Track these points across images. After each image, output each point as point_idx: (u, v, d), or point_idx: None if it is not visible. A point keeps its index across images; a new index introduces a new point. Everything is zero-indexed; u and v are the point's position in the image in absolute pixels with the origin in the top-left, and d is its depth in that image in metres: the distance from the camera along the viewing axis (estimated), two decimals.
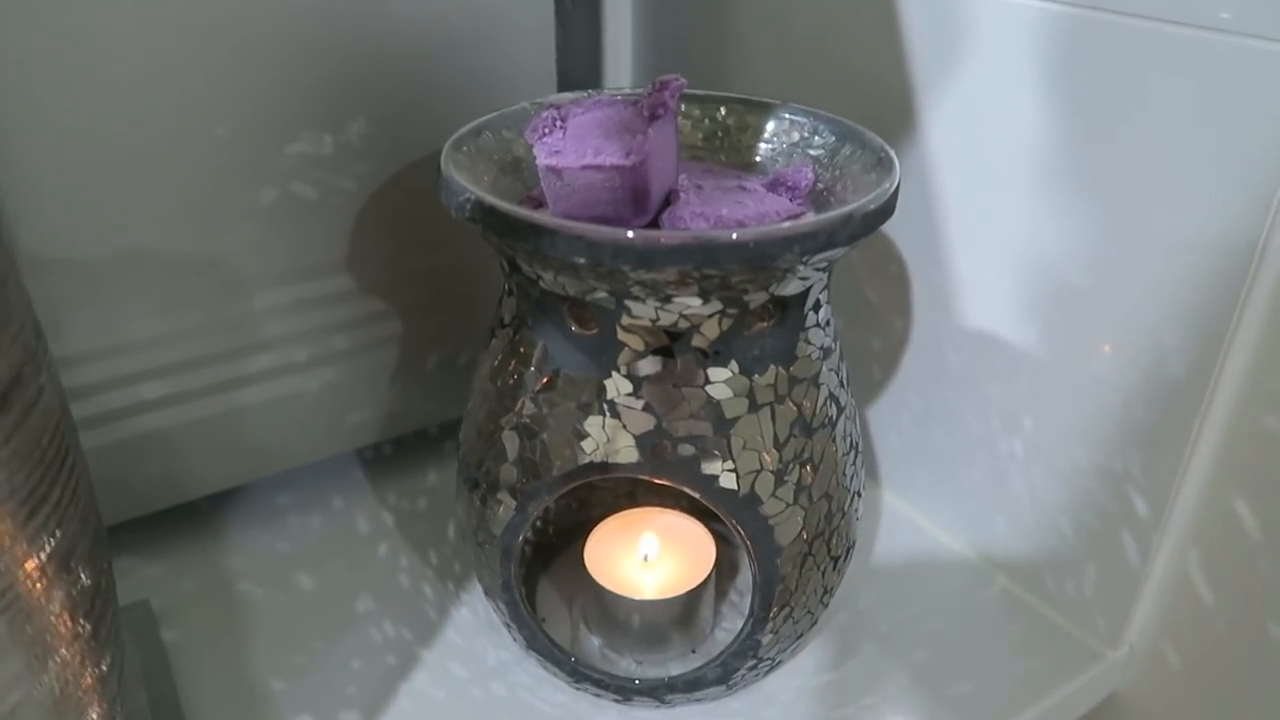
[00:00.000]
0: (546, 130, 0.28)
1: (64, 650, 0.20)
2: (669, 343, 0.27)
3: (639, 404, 0.27)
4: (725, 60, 0.44)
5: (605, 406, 0.27)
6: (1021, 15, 0.31)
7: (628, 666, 0.34)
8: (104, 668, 0.22)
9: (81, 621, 0.21)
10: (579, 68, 0.49)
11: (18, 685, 0.19)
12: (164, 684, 0.33)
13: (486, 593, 0.33)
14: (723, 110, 0.33)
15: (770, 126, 0.33)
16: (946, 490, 0.40)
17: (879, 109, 0.37)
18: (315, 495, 0.42)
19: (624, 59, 0.49)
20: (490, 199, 0.25)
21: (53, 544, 0.19)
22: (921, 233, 0.37)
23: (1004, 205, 0.34)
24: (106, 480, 0.35)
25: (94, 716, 0.21)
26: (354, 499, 0.42)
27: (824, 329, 0.29)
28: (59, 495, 0.20)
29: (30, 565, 0.19)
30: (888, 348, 0.41)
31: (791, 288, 0.26)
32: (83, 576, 0.21)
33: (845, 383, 0.31)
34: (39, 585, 0.19)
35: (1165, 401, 0.31)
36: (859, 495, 0.32)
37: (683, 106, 0.33)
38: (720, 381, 0.27)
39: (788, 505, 0.28)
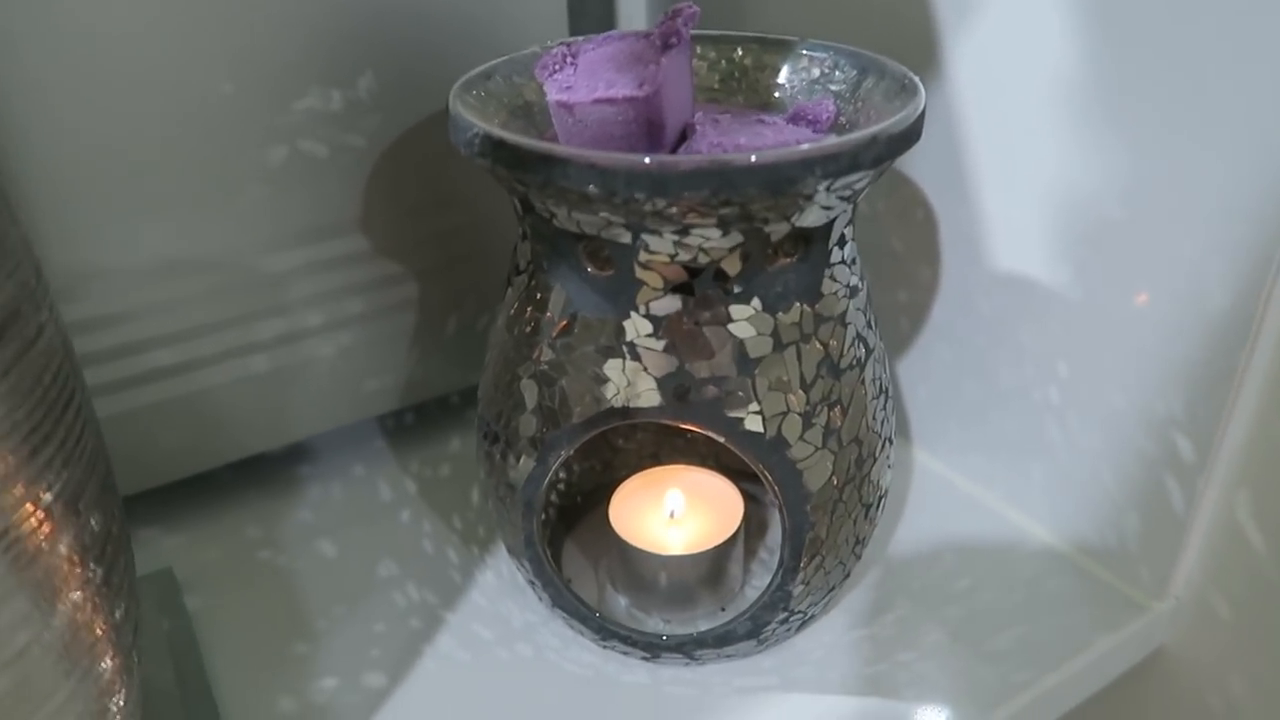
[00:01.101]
0: (557, 67, 0.27)
1: (74, 594, 0.20)
2: (688, 279, 0.26)
3: (659, 345, 0.26)
4: (740, 3, 0.43)
5: (625, 349, 0.26)
6: None
7: (654, 624, 0.33)
8: (117, 615, 0.21)
9: (92, 566, 0.20)
10: (592, 21, 0.48)
11: (26, 626, 0.18)
12: (189, 650, 0.33)
13: (510, 551, 0.32)
14: (739, 50, 0.32)
15: (788, 64, 0.31)
16: (979, 443, 0.39)
17: (900, 44, 0.36)
18: (336, 463, 0.42)
19: (638, 8, 0.47)
20: (499, 132, 0.24)
21: (58, 485, 0.19)
22: (948, 175, 0.36)
23: (1033, 140, 0.33)
24: (126, 450, 0.35)
25: (107, 664, 0.21)
26: (375, 467, 0.42)
27: (849, 266, 0.28)
28: (63, 435, 0.19)
29: (33, 505, 0.18)
30: (915, 299, 0.39)
31: (814, 218, 0.25)
32: (92, 521, 0.20)
33: (873, 324, 0.30)
34: (45, 526, 0.19)
35: (1208, 337, 0.30)
36: (890, 442, 0.31)
37: (698, 49, 0.32)
38: (743, 320, 0.26)
39: (816, 449, 0.28)
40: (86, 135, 0.30)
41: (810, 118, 0.29)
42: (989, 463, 0.39)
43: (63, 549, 0.19)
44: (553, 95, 0.26)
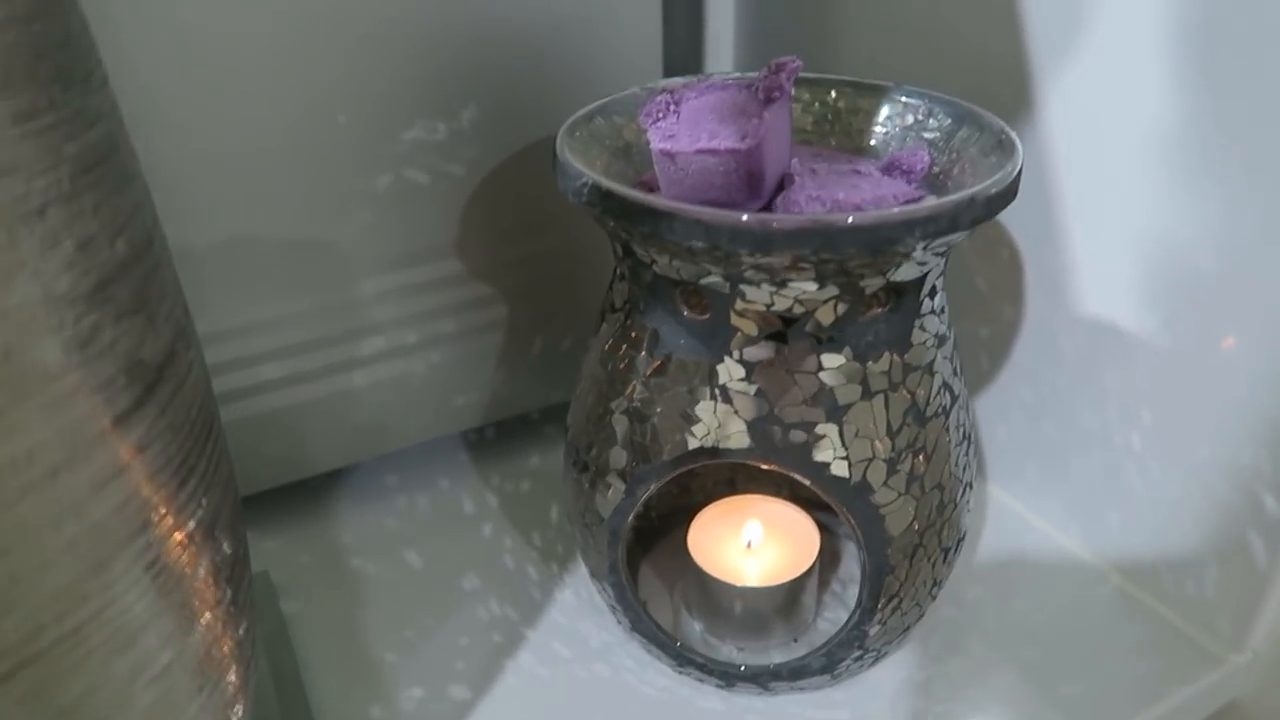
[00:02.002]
0: (660, 114, 0.28)
1: (208, 614, 0.21)
2: (782, 327, 0.26)
3: (751, 389, 0.27)
4: (831, 42, 0.43)
5: (716, 391, 0.27)
6: None
7: (729, 653, 0.34)
8: (241, 632, 0.23)
9: (224, 587, 0.22)
10: (680, 53, 0.49)
11: (169, 646, 0.20)
12: (284, 653, 0.34)
13: (592, 575, 0.34)
14: (833, 93, 0.33)
15: (883, 109, 0.32)
16: (1057, 485, 0.39)
17: (993, 86, 0.36)
18: (422, 475, 0.43)
19: (725, 43, 0.48)
20: (607, 183, 0.25)
21: (200, 513, 0.20)
22: (1035, 216, 0.36)
23: (1125, 186, 0.33)
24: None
25: (232, 678, 0.22)
26: (459, 480, 0.43)
27: (939, 315, 0.29)
28: (205, 466, 0.21)
29: (180, 534, 0.20)
30: (997, 336, 0.40)
31: (908, 273, 0.26)
32: (224, 544, 0.22)
33: (959, 371, 0.30)
34: (187, 552, 0.20)
35: None
36: (970, 486, 0.31)
37: (793, 90, 0.33)
38: (833, 368, 0.27)
39: (900, 495, 0.28)
40: (212, 162, 0.32)
41: (905, 168, 0.29)
42: (1067, 505, 0.39)
43: (201, 572, 0.21)
44: (656, 144, 0.27)
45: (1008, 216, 0.37)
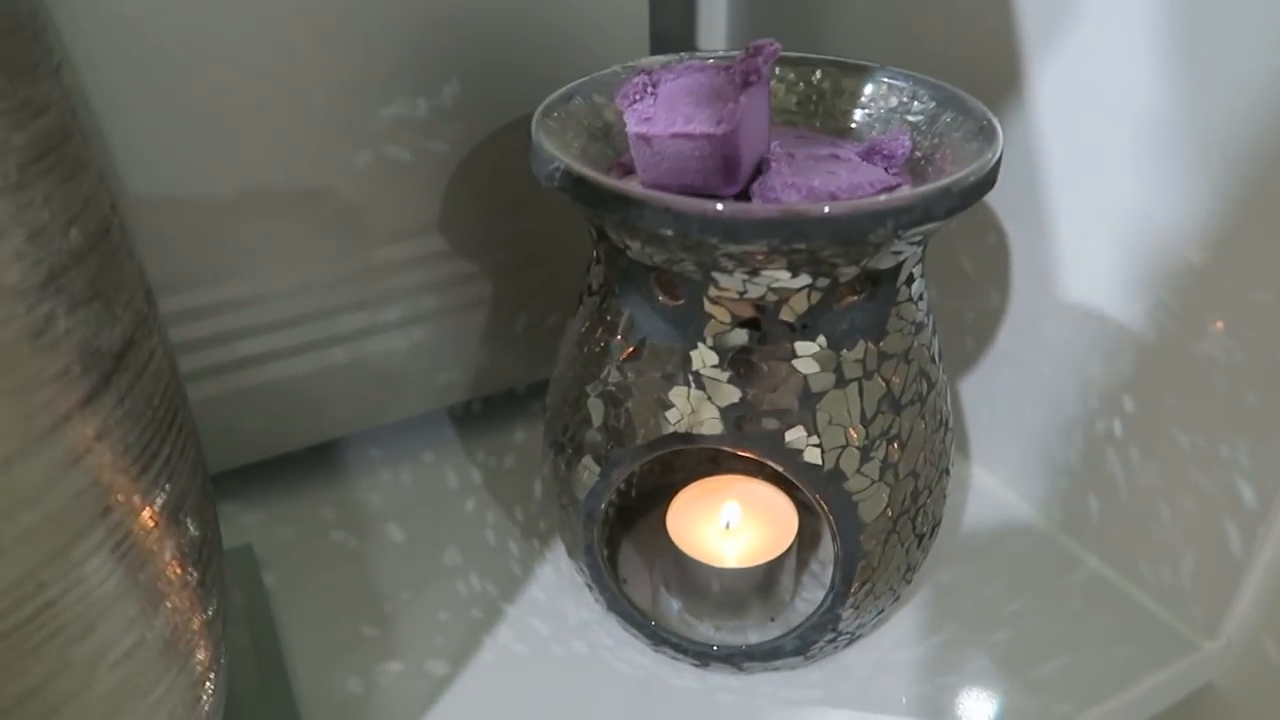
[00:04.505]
0: (637, 96, 0.27)
1: (174, 596, 0.21)
2: (756, 315, 0.26)
3: (724, 376, 0.27)
4: (822, 15, 0.42)
5: (690, 378, 0.27)
6: None
7: (706, 631, 0.34)
8: (209, 613, 0.23)
9: (190, 569, 0.22)
10: (672, 25, 0.48)
11: (133, 628, 0.20)
12: (265, 624, 0.35)
13: (570, 553, 0.34)
14: (818, 73, 0.32)
15: (867, 90, 0.32)
16: (1039, 468, 0.39)
17: (982, 67, 0.35)
18: (406, 450, 0.44)
19: (719, 16, 0.48)
20: (579, 168, 0.25)
21: (164, 497, 0.21)
22: (1023, 201, 0.36)
23: (1114, 175, 0.33)
24: (211, 431, 0.37)
25: (200, 657, 0.23)
26: (443, 454, 0.43)
27: (916, 303, 0.28)
28: (169, 451, 0.21)
29: (144, 516, 0.20)
30: (982, 320, 0.39)
31: (884, 262, 0.26)
32: (190, 527, 0.22)
33: (937, 358, 0.30)
34: (152, 535, 0.20)
35: (1278, 387, 0.30)
36: (947, 473, 0.31)
37: (776, 70, 0.33)
38: (807, 355, 0.27)
39: (873, 482, 0.28)
40: (186, 140, 0.32)
41: (885, 153, 0.29)
42: (1047, 488, 0.39)
43: (167, 555, 0.21)
44: (632, 127, 0.27)
45: (994, 200, 0.37)
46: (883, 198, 0.23)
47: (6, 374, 0.16)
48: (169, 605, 0.21)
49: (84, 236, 0.18)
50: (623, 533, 0.39)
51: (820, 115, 0.32)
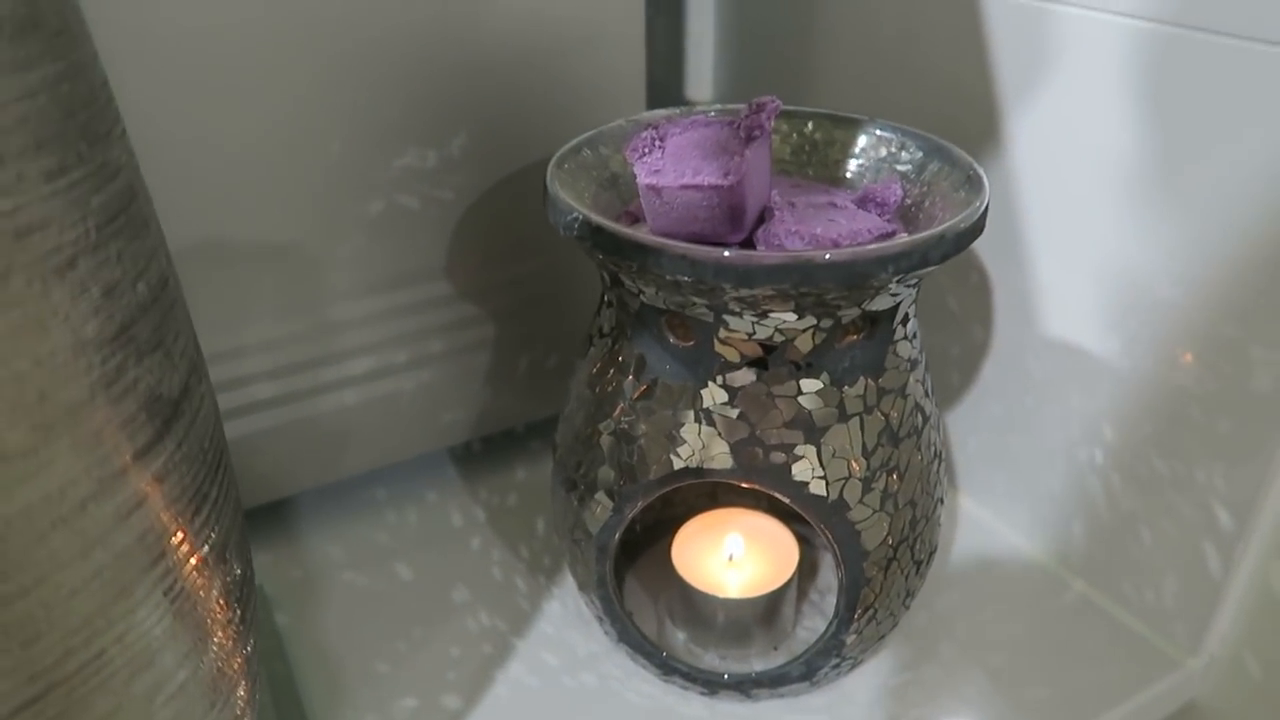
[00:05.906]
0: (646, 150, 0.29)
1: (220, 633, 0.22)
2: (763, 354, 0.28)
3: (734, 413, 0.28)
4: (808, 69, 0.45)
5: (701, 415, 0.29)
6: (1110, 30, 0.32)
7: (712, 661, 0.35)
8: (249, 649, 0.24)
9: (234, 607, 0.23)
10: (661, 75, 0.50)
11: (185, 664, 0.21)
12: (279, 665, 0.35)
13: (580, 587, 0.35)
14: (810, 125, 0.34)
15: (858, 142, 0.33)
16: (1024, 496, 0.41)
17: (963, 116, 0.38)
18: (410, 489, 0.44)
19: (705, 66, 0.50)
20: (597, 219, 0.26)
21: (213, 538, 0.22)
22: (1004, 242, 0.38)
23: (1089, 217, 0.35)
24: None
25: (241, 693, 0.23)
26: (447, 494, 0.44)
27: (911, 341, 0.30)
28: (217, 493, 0.22)
29: (196, 558, 0.21)
30: (968, 355, 0.41)
31: (882, 303, 0.27)
32: (235, 566, 0.23)
33: (930, 392, 0.32)
34: (203, 574, 0.21)
35: (1249, 416, 0.32)
36: (941, 501, 0.33)
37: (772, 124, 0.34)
38: (812, 392, 0.28)
39: (874, 511, 0.30)
40: (202, 191, 0.33)
41: (879, 200, 0.31)
42: (1033, 515, 0.41)
43: (215, 594, 0.22)
44: (643, 179, 0.28)
45: (978, 243, 0.39)
46: (883, 244, 0.25)
47: (84, 421, 0.17)
48: (216, 641, 0.22)
49: (149, 289, 0.19)
50: (626, 567, 0.40)
51: (814, 164, 0.34)
